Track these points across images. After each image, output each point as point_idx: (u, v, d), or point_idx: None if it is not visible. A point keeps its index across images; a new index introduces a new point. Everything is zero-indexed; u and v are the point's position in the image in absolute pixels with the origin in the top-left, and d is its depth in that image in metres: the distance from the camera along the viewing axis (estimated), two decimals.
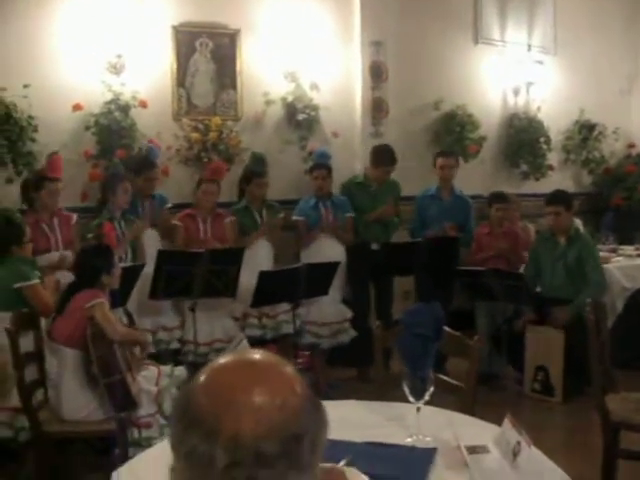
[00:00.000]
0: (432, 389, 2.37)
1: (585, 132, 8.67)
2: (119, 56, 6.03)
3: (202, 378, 1.11)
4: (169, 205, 5.92)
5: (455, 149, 7.41)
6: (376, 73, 7.11)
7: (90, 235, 5.26)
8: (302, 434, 1.07)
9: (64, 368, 3.92)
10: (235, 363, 1.13)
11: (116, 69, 6.04)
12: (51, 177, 5.21)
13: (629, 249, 7.14)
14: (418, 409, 2.39)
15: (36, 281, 4.38)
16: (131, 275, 4.81)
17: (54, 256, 5.03)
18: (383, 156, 6.24)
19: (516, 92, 8.24)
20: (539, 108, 8.25)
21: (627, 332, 5.97)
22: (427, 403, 2.42)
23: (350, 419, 2.49)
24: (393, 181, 6.40)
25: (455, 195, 6.51)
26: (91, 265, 4.04)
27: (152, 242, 5.49)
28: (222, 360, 1.14)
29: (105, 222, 5.17)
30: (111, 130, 5.92)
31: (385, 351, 3.58)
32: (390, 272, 6.19)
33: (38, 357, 3.99)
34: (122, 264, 4.86)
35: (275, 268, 5.63)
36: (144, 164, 5.79)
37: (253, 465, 1.03)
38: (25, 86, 5.53)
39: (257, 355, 1.15)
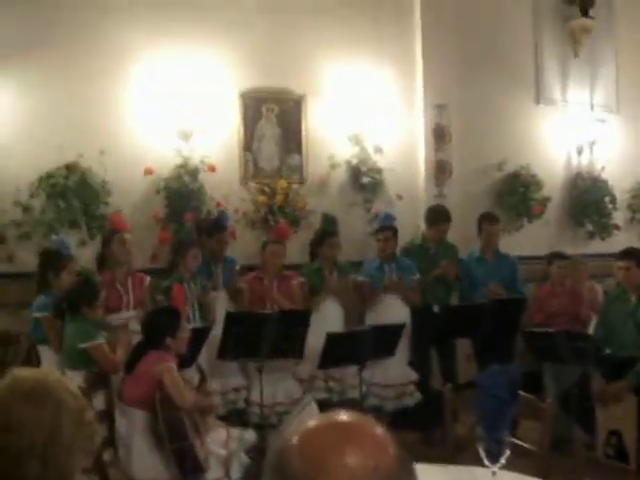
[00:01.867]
0: (508, 452, 2.34)
1: None
2: (189, 121, 6.21)
3: (295, 439, 1.11)
4: (238, 267, 6.00)
5: (519, 209, 7.42)
6: (439, 135, 7.18)
7: (160, 297, 5.37)
8: None
9: (134, 429, 3.97)
10: (327, 424, 1.14)
11: (186, 134, 6.22)
12: (117, 229, 5.39)
13: None
14: (494, 473, 2.36)
15: (100, 340, 4.48)
16: (200, 336, 4.87)
17: (124, 316, 5.15)
18: (437, 215, 6.33)
19: (579, 151, 8.19)
20: (603, 168, 8.17)
21: None
22: (501, 467, 2.39)
23: None
24: (451, 243, 6.45)
25: (499, 255, 6.49)
26: (157, 326, 4.12)
27: (222, 303, 5.57)
28: (314, 421, 1.14)
29: (175, 284, 5.27)
30: (180, 193, 6.10)
31: (453, 413, 3.54)
32: (453, 334, 6.13)
33: (108, 416, 4.06)
34: (191, 325, 4.94)
35: (344, 329, 5.63)
36: (215, 227, 5.92)
37: None
38: (101, 152, 5.75)
39: (348, 416, 1.15)
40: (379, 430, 1.14)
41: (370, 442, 1.11)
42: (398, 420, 5.81)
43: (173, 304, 4.93)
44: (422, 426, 5.85)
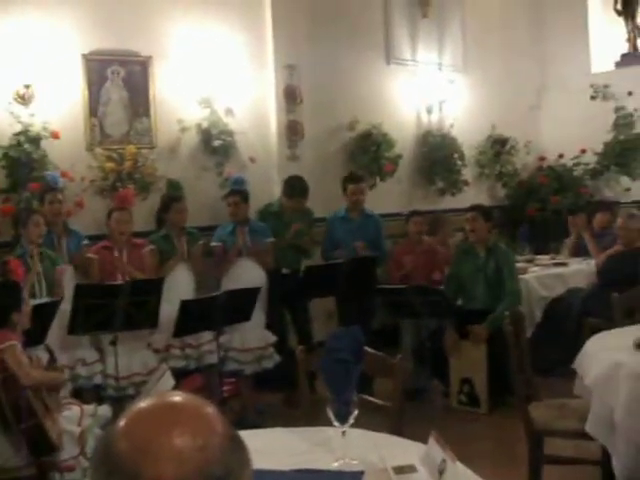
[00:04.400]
0: (356, 412, 2.37)
1: (497, 147, 8.91)
2: (27, 86, 5.89)
3: (122, 422, 1.06)
4: (86, 242, 5.77)
5: (371, 168, 7.54)
6: (290, 96, 7.15)
7: None
8: (225, 475, 1.04)
9: None
10: (154, 406, 1.10)
11: (25, 99, 5.90)
12: None
13: (545, 259, 7.34)
14: (343, 433, 2.38)
15: None
16: (47, 311, 4.68)
17: None
18: (295, 188, 6.25)
19: (429, 110, 8.40)
20: (452, 125, 8.44)
21: (547, 340, 6.11)
22: (355, 424, 2.41)
23: (277, 447, 2.47)
24: (306, 208, 6.43)
25: (365, 215, 6.54)
26: None
27: (68, 278, 5.35)
28: (141, 404, 1.10)
29: (11, 258, 5.01)
30: (21, 163, 5.77)
31: (309, 374, 3.57)
32: (307, 295, 6.18)
33: None
34: (37, 301, 4.73)
35: (197, 296, 5.56)
36: (44, 189, 5.65)
37: None
38: None
39: (176, 397, 1.11)
40: (208, 409, 1.11)
41: (198, 422, 1.07)
42: (260, 383, 5.84)
43: (10, 279, 4.66)
44: (283, 387, 5.91)
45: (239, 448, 1.10)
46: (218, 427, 1.08)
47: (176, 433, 1.03)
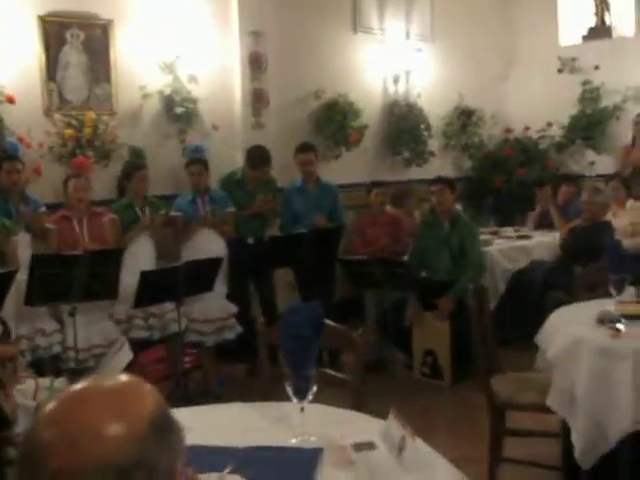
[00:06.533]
0: (315, 388, 2.32)
1: (464, 118, 8.87)
2: None
3: (46, 410, 1.05)
4: (43, 209, 5.62)
5: (337, 138, 7.49)
6: (255, 63, 7.03)
7: None
8: (133, 464, 0.99)
9: None
10: (63, 395, 1.08)
11: None
12: None
13: (509, 231, 7.35)
14: (302, 409, 2.33)
15: None
16: (2, 282, 4.55)
17: None
18: (256, 159, 6.17)
19: (396, 80, 8.33)
20: (419, 95, 8.37)
21: (511, 312, 6.13)
22: (317, 399, 2.37)
23: (233, 423, 2.43)
24: (270, 178, 6.36)
25: (321, 185, 6.49)
26: None
27: (25, 247, 5.22)
28: (68, 391, 1.08)
29: None
30: None
31: (272, 346, 3.52)
32: (270, 265, 6.13)
33: None
34: None
35: (158, 266, 5.46)
36: (2, 157, 5.48)
37: None
38: None
39: (88, 382, 1.08)
40: (123, 392, 1.07)
41: (103, 409, 1.03)
42: (222, 354, 5.79)
43: None
44: (245, 358, 5.87)
45: (158, 434, 1.04)
46: (130, 413, 1.03)
47: (74, 422, 1.01)
